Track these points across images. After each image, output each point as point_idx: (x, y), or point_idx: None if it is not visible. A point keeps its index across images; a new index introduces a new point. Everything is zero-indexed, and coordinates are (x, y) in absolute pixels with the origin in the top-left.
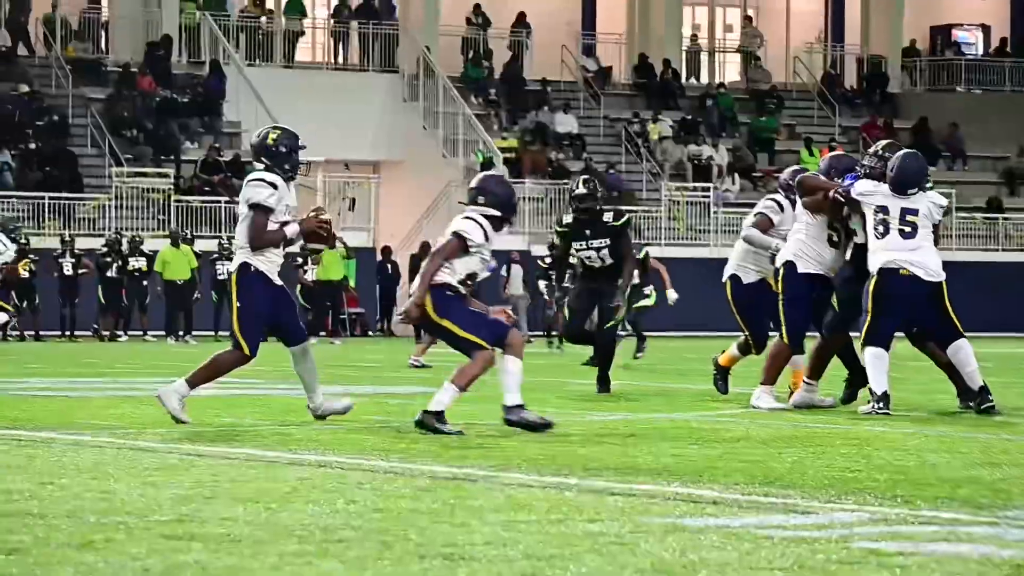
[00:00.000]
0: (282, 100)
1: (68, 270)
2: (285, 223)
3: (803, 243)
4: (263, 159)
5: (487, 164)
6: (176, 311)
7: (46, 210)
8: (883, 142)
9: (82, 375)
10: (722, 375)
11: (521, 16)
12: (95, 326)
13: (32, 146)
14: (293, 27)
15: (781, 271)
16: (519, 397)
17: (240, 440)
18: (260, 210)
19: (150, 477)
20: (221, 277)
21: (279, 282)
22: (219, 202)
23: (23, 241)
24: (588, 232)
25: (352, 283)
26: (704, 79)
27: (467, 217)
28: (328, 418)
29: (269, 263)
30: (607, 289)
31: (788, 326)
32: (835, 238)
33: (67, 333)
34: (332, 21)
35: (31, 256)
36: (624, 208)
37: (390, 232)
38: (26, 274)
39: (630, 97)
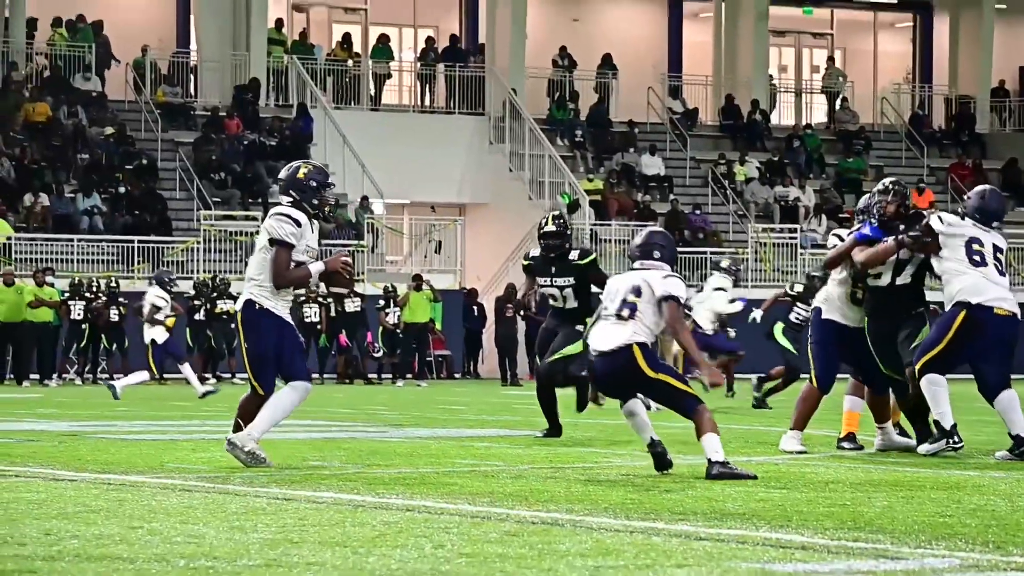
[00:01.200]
0: (369, 143)
1: None
2: (301, 263)
3: (829, 292)
4: (292, 192)
5: (573, 207)
6: None
7: (134, 253)
8: (888, 180)
9: (170, 418)
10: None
11: (607, 58)
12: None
13: (121, 190)
14: (380, 70)
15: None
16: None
17: (326, 483)
18: (282, 247)
19: (238, 521)
20: (309, 320)
21: (287, 318)
22: None
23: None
24: (553, 269)
25: (438, 325)
26: (791, 120)
27: (669, 276)
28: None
29: (276, 299)
30: (565, 330)
31: (816, 369)
32: (859, 295)
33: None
34: (418, 64)
35: (121, 300)
36: (589, 249)
37: (476, 275)
38: (115, 317)
39: (716, 139)
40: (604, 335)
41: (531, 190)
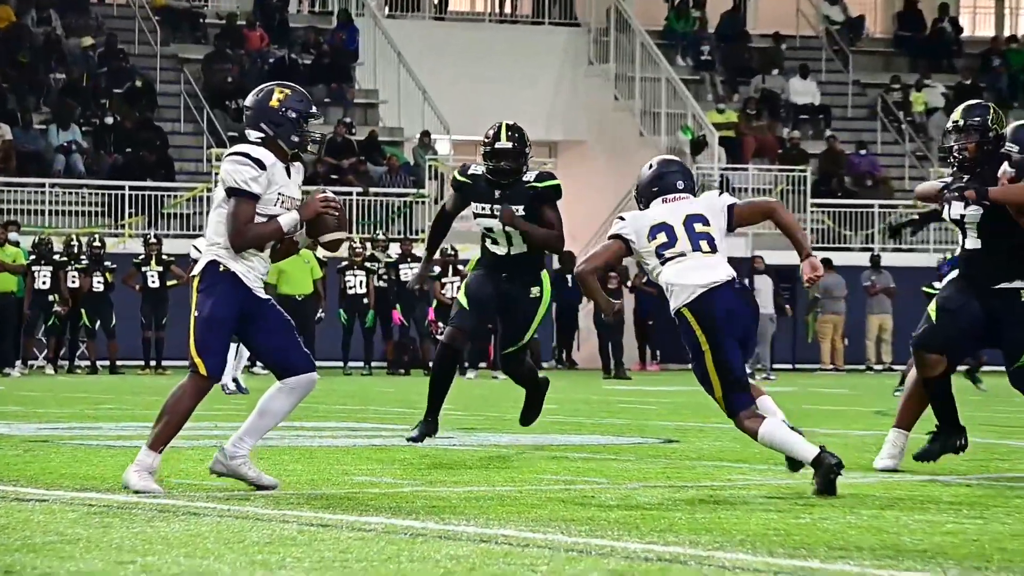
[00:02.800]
0: (431, 63)
1: (154, 281)
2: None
3: None
4: (263, 126)
5: (698, 145)
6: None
7: (126, 203)
8: (960, 110)
9: None
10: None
11: None
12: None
13: (108, 120)
14: None
15: None
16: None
17: (375, 505)
18: (242, 197)
19: (260, 554)
20: (353, 291)
21: (262, 294)
22: (350, 194)
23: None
24: (498, 195)
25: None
26: (989, 31)
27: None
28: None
29: (247, 266)
30: (515, 292)
31: None
32: None
33: (151, 363)
34: None
35: (107, 264)
36: (550, 172)
37: (571, 233)
38: (98, 286)
39: (888, 56)
40: (713, 268)
41: (642, 124)
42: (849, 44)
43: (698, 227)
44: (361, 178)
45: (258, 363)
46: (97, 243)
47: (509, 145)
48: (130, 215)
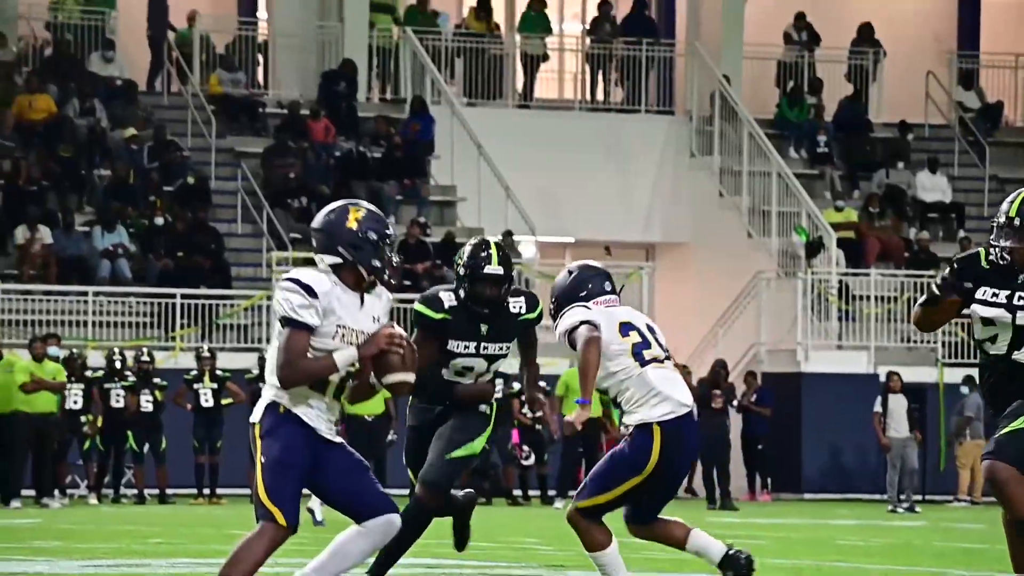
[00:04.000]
0: (515, 155)
1: (207, 400)
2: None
3: None
4: (341, 250)
5: (814, 248)
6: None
7: (177, 313)
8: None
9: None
10: None
11: (866, 29)
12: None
13: (158, 221)
14: (532, 49)
15: None
16: None
17: None
18: (295, 328)
19: None
20: None
21: (331, 436)
22: None
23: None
24: (484, 329)
25: (615, 420)
26: None
27: None
28: None
29: (308, 407)
30: (462, 416)
31: None
32: None
33: (205, 492)
34: (588, 40)
35: (157, 382)
36: (533, 293)
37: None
38: (147, 406)
39: None
40: (681, 387)
41: (751, 224)
42: (986, 134)
43: (658, 336)
44: (437, 283)
45: None
46: (146, 358)
47: (501, 270)
48: (182, 326)
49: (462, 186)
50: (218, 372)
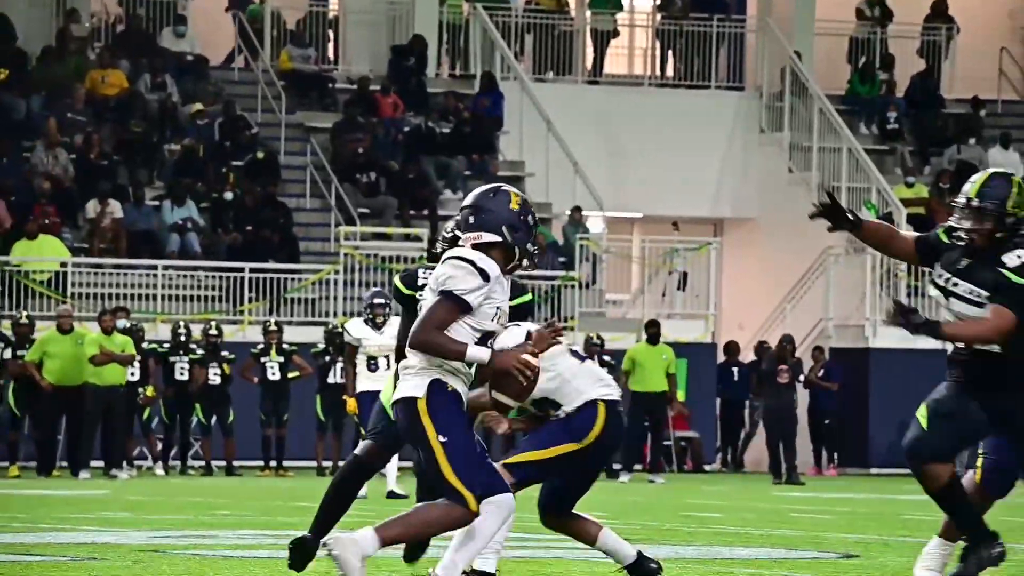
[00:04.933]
0: (583, 131)
1: (274, 374)
2: (487, 336)
3: None
4: (503, 230)
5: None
6: None
7: (245, 287)
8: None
9: (294, 526)
10: None
11: (939, 4)
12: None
13: (228, 196)
14: (602, 25)
15: None
16: None
17: None
18: (452, 301)
19: None
20: None
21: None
22: None
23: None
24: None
25: (681, 394)
26: None
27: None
28: None
29: (463, 385)
30: None
31: None
32: None
33: (272, 464)
34: (659, 17)
35: (225, 355)
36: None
37: (737, 321)
38: (214, 379)
39: None
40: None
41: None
42: None
43: None
44: None
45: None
46: (214, 331)
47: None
48: (250, 300)
49: (530, 162)
50: (285, 346)
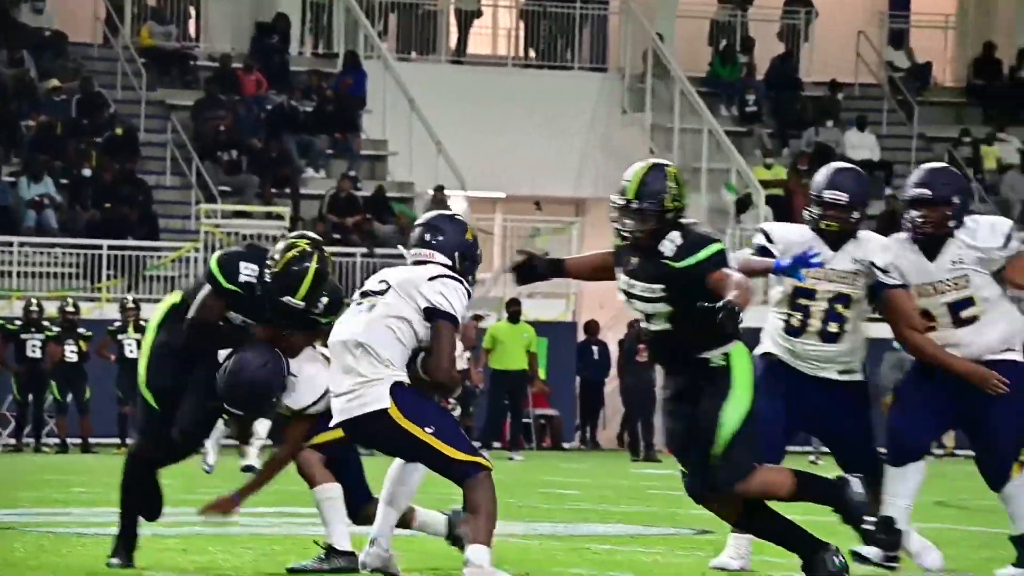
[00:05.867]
0: (447, 111)
1: (132, 351)
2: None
3: None
4: (455, 256)
5: (743, 204)
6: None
7: (103, 264)
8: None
9: None
10: None
11: None
12: None
13: (86, 172)
14: (466, 5)
15: None
16: None
17: None
18: (454, 323)
19: None
20: None
21: None
22: (353, 255)
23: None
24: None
25: (542, 373)
26: None
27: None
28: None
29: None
30: None
31: None
32: None
33: (128, 441)
34: None
35: (82, 331)
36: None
37: (597, 301)
38: (71, 356)
39: (958, 107)
40: None
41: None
42: (915, 94)
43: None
44: (366, 238)
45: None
46: (71, 308)
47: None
48: (108, 277)
49: (393, 140)
50: (142, 323)
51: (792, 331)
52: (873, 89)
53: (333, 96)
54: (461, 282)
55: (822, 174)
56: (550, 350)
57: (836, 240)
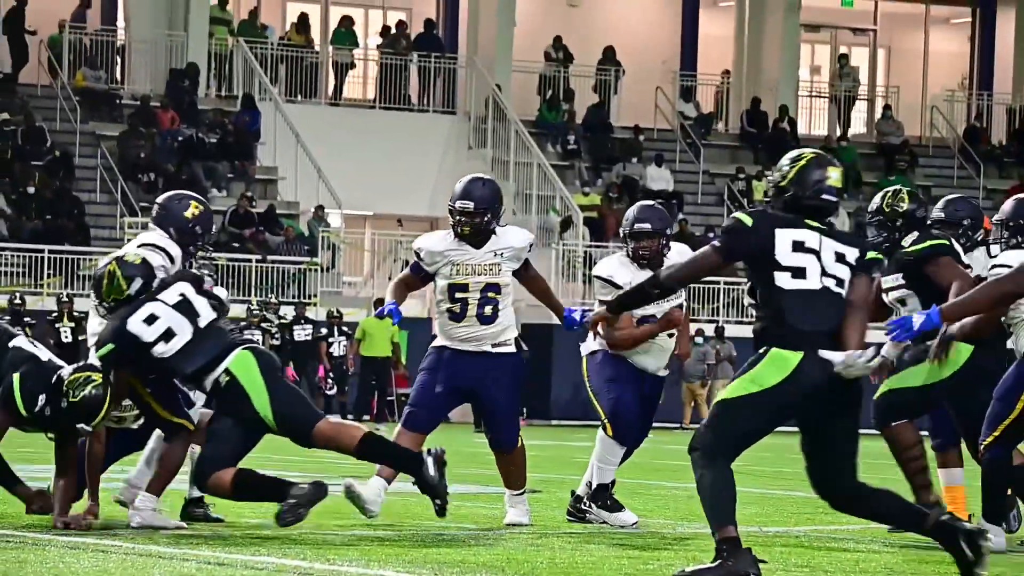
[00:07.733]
0: (326, 143)
1: (67, 337)
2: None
3: None
4: (170, 230)
5: (565, 224)
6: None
7: (45, 265)
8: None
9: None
10: None
11: (609, 52)
12: None
13: (31, 189)
14: (341, 58)
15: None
16: None
17: (267, 547)
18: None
19: None
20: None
21: None
22: (249, 260)
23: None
24: None
25: (403, 359)
26: (824, 130)
27: None
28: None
29: None
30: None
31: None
32: None
33: None
34: (386, 52)
35: (28, 320)
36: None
37: None
38: None
39: (735, 149)
40: None
41: (516, 204)
42: (700, 137)
43: None
44: (260, 246)
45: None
46: (18, 300)
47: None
48: (49, 276)
49: (282, 167)
50: (75, 313)
51: None
52: (668, 133)
53: (233, 130)
54: (149, 246)
55: (632, 210)
56: (410, 341)
57: (649, 264)
